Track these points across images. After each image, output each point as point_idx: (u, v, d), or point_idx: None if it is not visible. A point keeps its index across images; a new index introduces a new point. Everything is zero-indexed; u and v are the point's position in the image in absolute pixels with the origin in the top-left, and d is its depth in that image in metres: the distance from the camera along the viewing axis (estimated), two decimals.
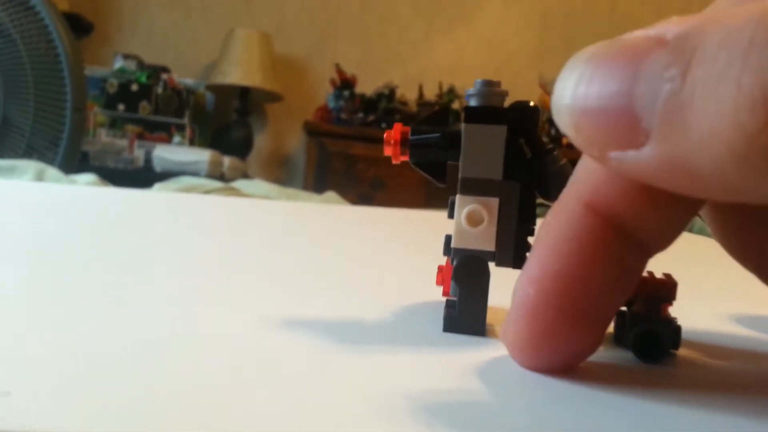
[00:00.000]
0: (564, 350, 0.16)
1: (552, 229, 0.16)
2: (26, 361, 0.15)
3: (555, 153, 0.21)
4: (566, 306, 0.15)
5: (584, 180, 0.15)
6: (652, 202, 0.14)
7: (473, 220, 0.21)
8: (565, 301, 0.15)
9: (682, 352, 0.20)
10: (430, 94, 2.68)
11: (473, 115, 0.21)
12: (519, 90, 1.88)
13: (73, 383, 0.14)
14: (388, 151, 0.23)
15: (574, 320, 0.16)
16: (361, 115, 2.57)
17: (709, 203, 0.17)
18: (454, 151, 0.21)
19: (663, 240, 0.16)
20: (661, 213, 0.15)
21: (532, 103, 0.21)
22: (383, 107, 2.56)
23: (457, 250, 0.21)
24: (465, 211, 0.21)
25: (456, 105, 2.59)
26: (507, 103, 0.21)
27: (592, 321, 0.16)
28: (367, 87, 2.65)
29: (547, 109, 2.79)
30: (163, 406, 0.13)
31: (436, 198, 2.30)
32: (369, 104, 2.59)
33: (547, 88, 2.81)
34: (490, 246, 0.21)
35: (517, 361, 0.17)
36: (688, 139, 0.11)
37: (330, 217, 0.62)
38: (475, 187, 0.21)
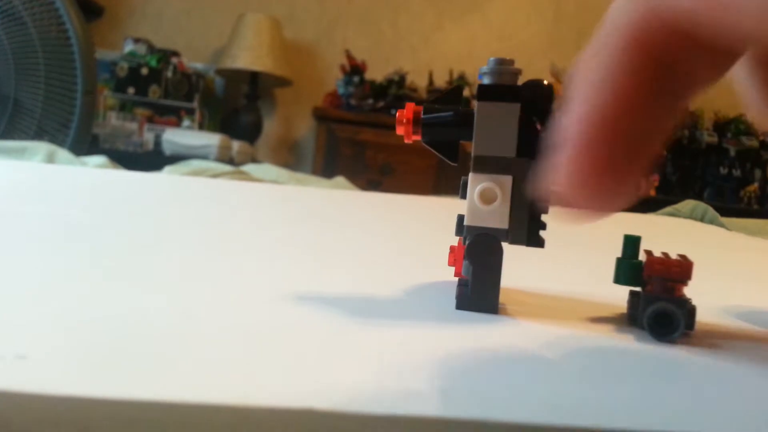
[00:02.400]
0: (622, 186, 0.16)
1: (594, 65, 0.16)
2: (42, 326, 0.15)
3: None
4: (621, 140, 0.15)
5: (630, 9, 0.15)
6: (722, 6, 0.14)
7: (486, 198, 0.21)
8: (620, 135, 0.15)
9: (696, 332, 0.20)
10: (441, 81, 2.66)
11: (486, 93, 0.21)
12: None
13: (89, 348, 0.14)
14: (400, 131, 0.22)
15: (629, 154, 0.16)
16: (370, 101, 2.56)
17: (749, 57, 0.17)
18: (467, 129, 0.21)
19: (712, 72, 0.15)
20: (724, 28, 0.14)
21: (546, 81, 0.21)
22: (393, 94, 2.55)
23: (470, 228, 0.21)
24: (478, 188, 0.21)
25: (466, 92, 2.58)
26: (520, 83, 0.21)
27: (643, 156, 0.16)
28: (377, 73, 2.64)
29: (560, 97, 2.76)
30: (181, 374, 0.13)
31: (445, 184, 2.30)
32: (379, 90, 2.58)
33: (559, 78, 2.79)
34: (503, 224, 0.21)
35: (574, 199, 0.16)
36: None
37: (340, 202, 0.62)
38: (488, 165, 0.21)
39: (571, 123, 0.16)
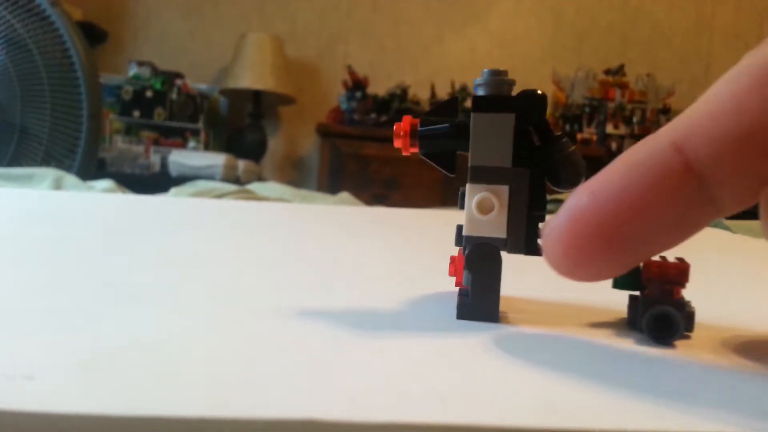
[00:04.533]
0: (592, 267, 0.16)
1: (631, 155, 0.16)
2: (49, 347, 0.16)
3: (564, 140, 0.21)
4: (611, 227, 0.15)
5: (681, 122, 0.15)
6: (739, 160, 0.15)
7: (484, 208, 0.21)
8: (612, 223, 0.15)
9: (695, 335, 0.20)
10: (443, 93, 2.67)
11: (481, 104, 0.21)
12: (531, 87, 1.87)
13: (95, 367, 0.14)
14: (397, 143, 0.23)
15: (611, 244, 0.16)
16: (373, 115, 2.57)
17: None
18: (464, 140, 0.21)
19: (735, 202, 0.16)
20: (745, 174, 0.15)
21: (539, 91, 0.21)
22: (396, 107, 2.56)
23: (469, 238, 0.21)
24: (475, 199, 0.21)
25: (468, 103, 2.59)
26: (515, 92, 0.22)
27: (629, 254, 0.16)
28: (379, 88, 2.65)
29: (562, 105, 2.78)
30: (186, 388, 0.13)
31: (452, 196, 2.30)
32: (381, 105, 2.59)
33: (560, 85, 2.80)
34: (501, 233, 0.21)
35: (549, 260, 0.17)
36: None
37: (343, 217, 0.62)
38: (485, 175, 0.21)
39: (579, 191, 0.16)
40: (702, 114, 0.15)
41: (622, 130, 2.69)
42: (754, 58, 0.15)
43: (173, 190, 0.93)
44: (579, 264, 0.16)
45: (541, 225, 0.21)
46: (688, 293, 0.20)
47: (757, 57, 0.15)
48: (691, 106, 0.16)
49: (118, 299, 0.22)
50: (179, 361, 0.15)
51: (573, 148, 0.21)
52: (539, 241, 0.17)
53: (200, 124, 2.49)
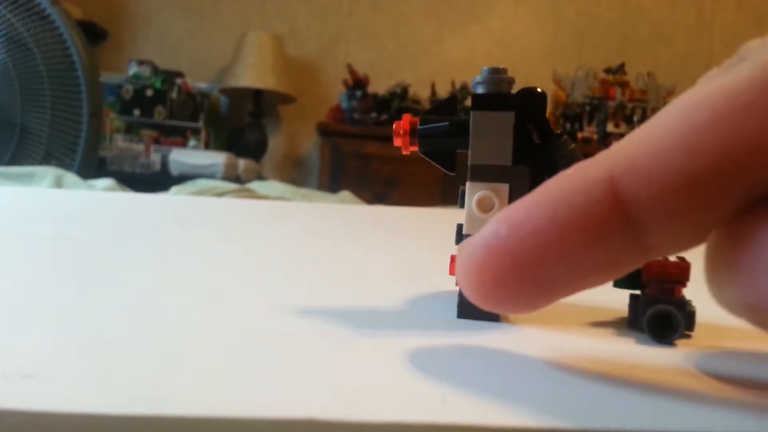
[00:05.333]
0: (508, 301, 0.14)
1: (560, 185, 0.14)
2: (48, 345, 0.16)
3: (564, 138, 0.21)
4: (529, 264, 0.14)
5: (621, 154, 0.13)
6: (685, 205, 0.13)
7: (484, 206, 0.21)
8: (531, 260, 0.14)
9: (696, 334, 0.20)
10: (443, 92, 2.67)
11: (481, 102, 0.21)
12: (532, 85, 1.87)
13: (95, 366, 0.14)
14: (397, 142, 0.23)
15: (528, 281, 0.14)
16: (374, 114, 2.57)
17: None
18: (463, 139, 0.21)
19: (672, 247, 0.14)
20: (689, 221, 0.13)
21: (539, 89, 0.21)
22: (396, 106, 2.56)
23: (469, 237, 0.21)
24: (475, 197, 0.21)
25: (469, 102, 2.58)
26: (514, 90, 0.21)
27: (548, 291, 0.14)
28: (379, 86, 2.65)
29: (562, 103, 2.78)
30: (185, 388, 0.13)
31: (453, 195, 2.30)
32: (382, 104, 2.59)
33: (561, 84, 2.80)
34: None
35: (463, 288, 0.15)
36: None
37: (344, 216, 0.62)
38: (485, 174, 0.21)
39: (498, 219, 0.14)
40: (647, 148, 0.13)
41: (623, 128, 2.69)
42: (713, 84, 0.13)
43: (174, 189, 0.93)
44: (494, 296, 0.14)
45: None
46: (688, 292, 0.20)
47: (717, 84, 0.12)
48: (635, 131, 0.14)
49: (118, 298, 0.22)
50: (178, 360, 0.15)
51: (573, 145, 0.21)
52: (456, 265, 0.16)
53: (200, 123, 2.49)
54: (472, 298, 0.15)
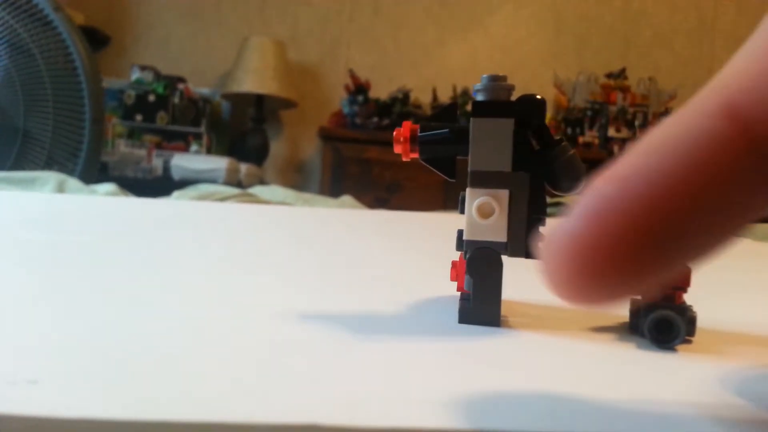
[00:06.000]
0: (622, 279, 0.11)
1: (669, 128, 0.12)
2: (52, 351, 0.16)
3: (563, 144, 0.21)
4: (655, 223, 0.11)
5: (729, 81, 0.12)
6: None
7: (484, 212, 0.21)
8: (651, 216, 0.11)
9: (697, 339, 0.20)
10: (445, 97, 2.67)
11: (481, 109, 0.21)
12: (534, 91, 1.87)
13: (99, 371, 0.14)
14: (398, 149, 0.23)
15: (655, 247, 0.11)
16: (375, 119, 2.57)
17: None
18: (463, 145, 0.22)
19: None
20: None
21: (538, 96, 0.21)
22: (398, 111, 2.56)
23: (470, 243, 0.21)
24: (475, 203, 0.21)
25: (470, 107, 2.58)
26: (514, 97, 0.22)
27: (667, 259, 0.11)
28: (381, 91, 2.66)
29: (564, 108, 2.78)
30: (188, 393, 0.13)
31: (454, 200, 2.29)
32: (383, 108, 2.59)
33: (562, 88, 2.80)
34: (501, 237, 0.21)
35: (550, 279, 0.12)
36: None
37: (345, 220, 0.62)
38: (485, 180, 0.21)
39: (597, 183, 0.12)
40: (759, 66, 0.11)
41: (625, 133, 2.69)
42: None
43: (176, 194, 0.93)
44: (606, 278, 0.11)
45: (541, 229, 0.21)
46: (689, 298, 0.20)
47: None
48: (733, 61, 0.12)
49: (121, 303, 0.22)
50: (182, 365, 0.15)
51: (572, 151, 0.21)
52: (539, 247, 0.12)
53: (202, 128, 2.50)
54: (572, 290, 0.12)
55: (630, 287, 0.11)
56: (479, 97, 0.21)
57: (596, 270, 0.11)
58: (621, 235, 0.11)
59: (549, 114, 2.67)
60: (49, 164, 1.32)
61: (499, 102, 0.21)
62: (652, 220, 0.11)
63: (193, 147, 2.47)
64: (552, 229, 0.12)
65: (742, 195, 0.11)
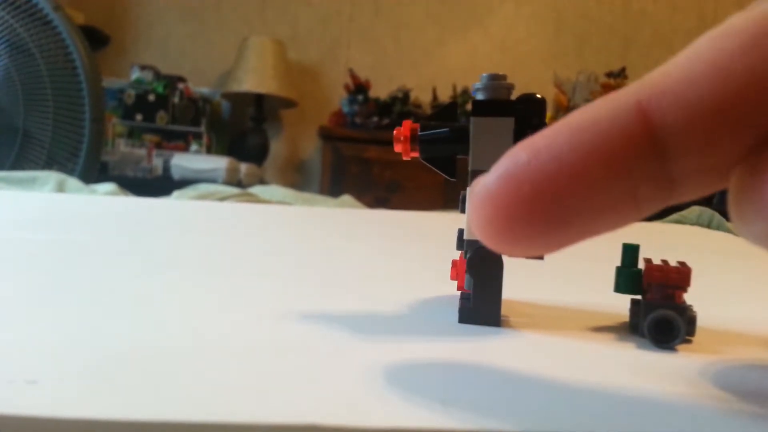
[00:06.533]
0: (520, 237, 0.13)
1: (587, 111, 0.13)
2: (51, 351, 0.16)
3: None
4: (550, 192, 0.13)
5: (652, 81, 0.13)
6: (715, 130, 0.12)
7: None
8: (552, 187, 0.13)
9: (697, 339, 0.20)
10: (445, 96, 2.68)
11: (481, 108, 0.21)
12: (534, 90, 1.87)
13: (98, 371, 0.14)
14: (398, 148, 0.23)
15: (548, 212, 0.13)
16: (375, 118, 2.57)
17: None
18: (464, 144, 0.22)
19: (696, 183, 0.14)
20: (716, 148, 0.13)
21: (538, 95, 0.21)
22: (398, 111, 2.56)
23: (470, 242, 0.21)
24: None
25: (470, 106, 2.58)
26: (514, 96, 0.22)
27: (565, 227, 0.13)
28: (381, 91, 2.66)
29: (563, 108, 2.78)
30: (187, 393, 0.13)
31: (454, 199, 2.29)
32: (383, 108, 2.59)
33: (562, 88, 2.80)
34: None
35: (473, 223, 0.14)
36: None
37: (346, 220, 0.62)
38: None
39: (517, 148, 0.13)
40: (678, 74, 0.13)
41: None
42: (742, 19, 0.13)
43: (176, 194, 0.93)
44: (509, 231, 0.13)
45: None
46: (689, 297, 0.20)
47: (746, 18, 0.13)
48: (664, 65, 0.13)
49: (120, 303, 0.22)
50: (181, 366, 0.15)
51: None
52: (469, 195, 0.14)
53: (202, 128, 2.50)
54: (485, 234, 0.14)
55: (535, 241, 0.14)
56: (479, 96, 0.21)
57: (506, 220, 0.13)
58: (526, 195, 0.13)
59: (549, 113, 2.67)
60: (49, 164, 1.32)
61: (500, 101, 0.21)
62: (552, 188, 0.13)
63: (193, 147, 2.47)
64: (477, 182, 0.14)
65: (628, 184, 0.13)
